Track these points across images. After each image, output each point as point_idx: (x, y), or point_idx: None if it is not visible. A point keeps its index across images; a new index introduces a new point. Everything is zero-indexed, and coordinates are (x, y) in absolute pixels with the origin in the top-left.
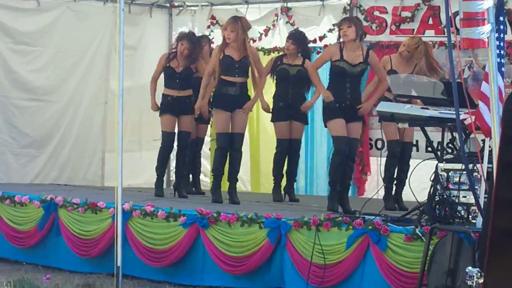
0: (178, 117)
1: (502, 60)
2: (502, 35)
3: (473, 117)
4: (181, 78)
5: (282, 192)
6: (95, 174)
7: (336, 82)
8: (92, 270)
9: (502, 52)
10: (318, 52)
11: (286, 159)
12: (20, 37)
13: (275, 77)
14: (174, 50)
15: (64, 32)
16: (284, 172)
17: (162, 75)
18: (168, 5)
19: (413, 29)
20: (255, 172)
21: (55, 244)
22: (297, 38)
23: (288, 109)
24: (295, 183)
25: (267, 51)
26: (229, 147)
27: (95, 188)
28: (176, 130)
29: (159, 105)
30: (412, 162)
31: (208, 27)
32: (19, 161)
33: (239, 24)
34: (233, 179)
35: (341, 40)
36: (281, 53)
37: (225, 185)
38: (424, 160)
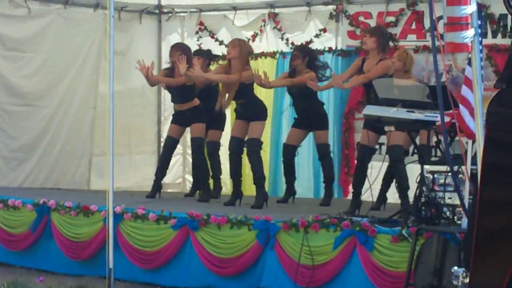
0: (190, 125)
1: (481, 63)
2: (480, 39)
3: (449, 118)
4: (177, 93)
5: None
6: (82, 177)
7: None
8: (84, 272)
9: (480, 55)
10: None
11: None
12: (11, 44)
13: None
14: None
15: (54, 38)
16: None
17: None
18: (157, 11)
19: (396, 34)
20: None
21: (47, 247)
22: (302, 49)
23: (305, 120)
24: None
25: (255, 56)
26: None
27: (86, 191)
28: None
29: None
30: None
31: (197, 32)
32: (8, 165)
33: (242, 42)
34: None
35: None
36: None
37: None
38: (408, 162)
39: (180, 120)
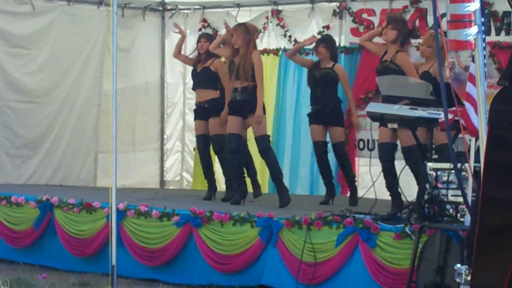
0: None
1: (484, 61)
2: (483, 36)
3: (452, 115)
4: (201, 77)
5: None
6: (88, 174)
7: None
8: (87, 269)
9: (484, 52)
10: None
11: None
12: (15, 41)
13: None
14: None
15: (58, 35)
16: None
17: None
18: (161, 8)
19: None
20: None
21: (50, 243)
22: (328, 41)
23: (321, 113)
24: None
25: None
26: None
27: (90, 188)
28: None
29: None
30: (402, 162)
31: (200, 29)
32: (13, 162)
33: (244, 27)
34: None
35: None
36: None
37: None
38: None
39: (201, 114)
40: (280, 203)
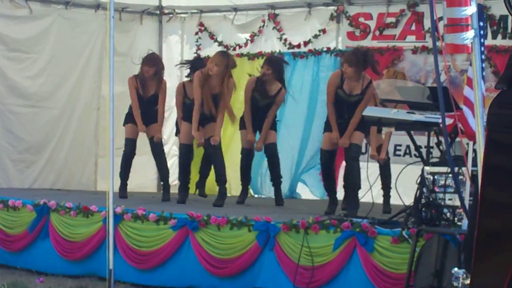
0: (147, 126)
1: (483, 65)
2: (482, 40)
3: (451, 120)
4: (148, 102)
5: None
6: (89, 178)
7: (336, 105)
8: (83, 273)
9: (482, 56)
10: (302, 57)
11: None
12: (13, 44)
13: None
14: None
15: (57, 39)
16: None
17: None
18: (158, 12)
19: (395, 35)
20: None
21: (45, 248)
22: (273, 62)
23: (258, 121)
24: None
25: (252, 57)
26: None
27: (89, 192)
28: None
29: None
30: (399, 167)
31: (196, 33)
32: (17, 167)
33: (227, 60)
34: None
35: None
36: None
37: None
38: (408, 164)
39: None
40: (216, 201)
